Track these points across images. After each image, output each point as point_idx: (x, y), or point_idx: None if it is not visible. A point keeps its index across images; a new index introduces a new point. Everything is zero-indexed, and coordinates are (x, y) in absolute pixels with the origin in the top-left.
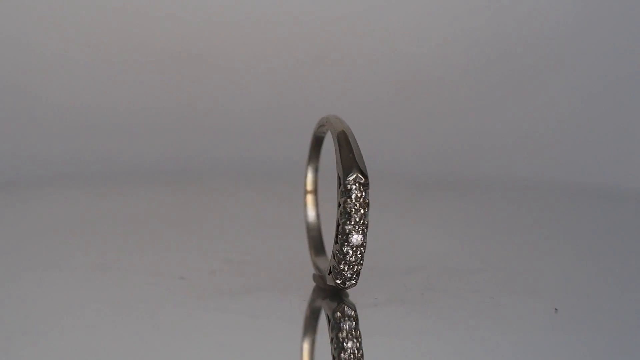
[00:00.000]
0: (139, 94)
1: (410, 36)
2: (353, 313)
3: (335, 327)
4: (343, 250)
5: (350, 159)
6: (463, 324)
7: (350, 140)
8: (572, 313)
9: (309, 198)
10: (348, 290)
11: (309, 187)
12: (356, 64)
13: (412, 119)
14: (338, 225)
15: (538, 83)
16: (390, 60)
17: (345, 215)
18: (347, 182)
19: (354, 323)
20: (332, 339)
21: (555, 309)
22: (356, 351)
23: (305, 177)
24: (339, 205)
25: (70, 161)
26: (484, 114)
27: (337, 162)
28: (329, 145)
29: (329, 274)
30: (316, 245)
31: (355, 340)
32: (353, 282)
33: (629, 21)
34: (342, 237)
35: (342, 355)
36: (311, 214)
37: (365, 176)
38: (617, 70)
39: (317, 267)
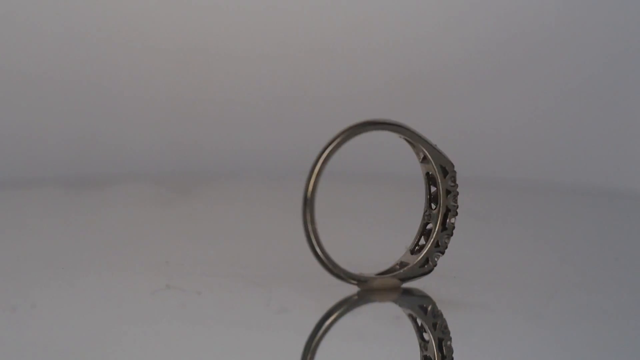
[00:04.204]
0: (143, 89)
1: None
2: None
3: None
4: (446, 239)
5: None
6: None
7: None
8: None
9: None
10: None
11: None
12: (361, 58)
13: (414, 114)
14: (447, 216)
15: (537, 82)
16: (392, 56)
17: (453, 207)
18: (454, 173)
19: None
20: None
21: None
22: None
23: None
24: (448, 194)
25: (67, 157)
26: (482, 113)
27: (438, 156)
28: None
29: (422, 267)
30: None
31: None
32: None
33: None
34: (450, 229)
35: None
36: None
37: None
38: (621, 71)
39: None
